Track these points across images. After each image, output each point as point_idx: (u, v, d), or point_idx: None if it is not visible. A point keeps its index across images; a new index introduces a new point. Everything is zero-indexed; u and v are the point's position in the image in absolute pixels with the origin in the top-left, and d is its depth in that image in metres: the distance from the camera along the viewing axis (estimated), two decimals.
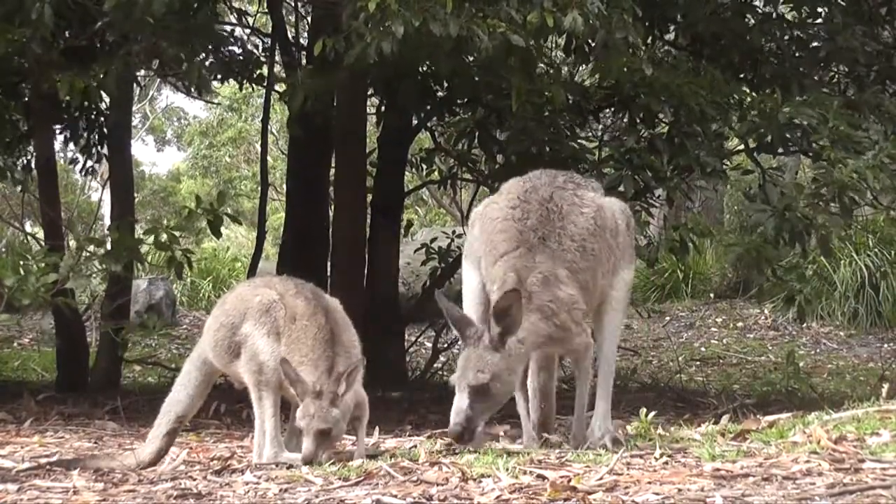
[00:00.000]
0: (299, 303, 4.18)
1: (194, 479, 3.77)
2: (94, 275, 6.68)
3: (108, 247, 6.31)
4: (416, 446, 4.34)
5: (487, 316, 4.09)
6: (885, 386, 5.07)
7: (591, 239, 4.29)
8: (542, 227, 4.26)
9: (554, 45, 8.03)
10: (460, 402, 3.97)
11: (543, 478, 3.46)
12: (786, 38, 7.67)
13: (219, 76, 7.64)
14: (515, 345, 4.05)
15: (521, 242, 4.24)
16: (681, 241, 6.93)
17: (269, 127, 9.71)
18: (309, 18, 8.81)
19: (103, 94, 6.81)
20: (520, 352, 4.08)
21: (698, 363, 10.44)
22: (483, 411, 3.99)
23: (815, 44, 7.72)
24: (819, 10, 7.74)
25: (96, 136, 8.45)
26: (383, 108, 7.93)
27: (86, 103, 7.43)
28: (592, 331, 4.56)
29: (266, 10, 9.31)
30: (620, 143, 6.90)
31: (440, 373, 8.72)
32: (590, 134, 7.76)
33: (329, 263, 7.95)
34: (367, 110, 8.10)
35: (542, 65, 6.83)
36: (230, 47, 7.64)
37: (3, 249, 13.19)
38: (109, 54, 6.36)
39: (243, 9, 9.50)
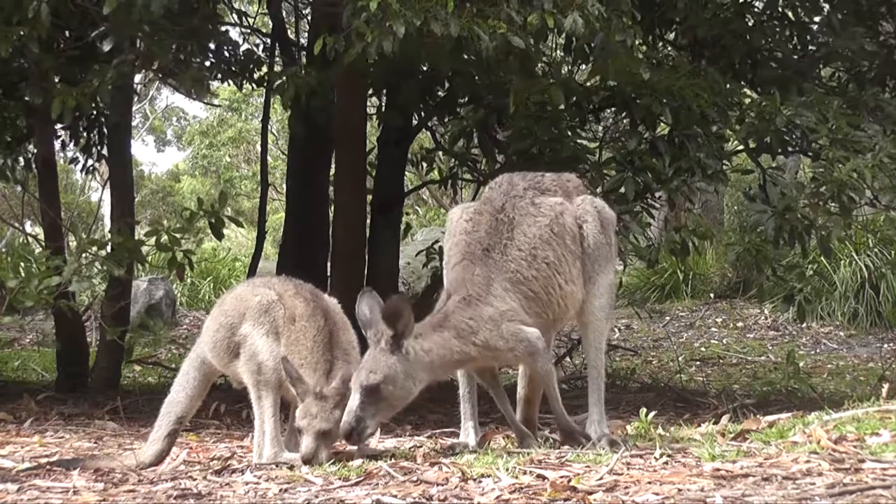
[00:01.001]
0: (298, 303, 4.18)
1: (194, 479, 3.77)
2: (94, 276, 6.68)
3: (109, 249, 6.31)
4: (419, 446, 4.35)
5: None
6: (885, 386, 5.07)
7: (543, 247, 4.27)
8: (489, 237, 4.29)
9: (554, 46, 8.03)
10: (352, 402, 3.98)
11: (543, 478, 3.46)
12: (785, 38, 7.67)
13: (219, 76, 7.64)
14: (419, 352, 4.06)
15: (465, 255, 4.28)
16: (681, 242, 6.92)
17: (269, 127, 9.71)
18: (309, 18, 8.81)
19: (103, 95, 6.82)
20: (423, 360, 4.06)
21: (698, 363, 10.44)
22: (375, 413, 3.98)
23: (814, 43, 7.73)
24: (820, 7, 7.74)
25: (96, 136, 8.45)
26: (383, 108, 7.93)
27: (77, 113, 7.44)
28: (580, 339, 4.54)
29: (266, 11, 9.31)
30: (622, 145, 6.89)
31: None
32: (590, 135, 7.75)
33: (329, 263, 7.95)
34: (367, 110, 8.09)
35: (541, 64, 6.83)
36: (230, 48, 7.63)
37: (4, 249, 13.19)
38: (106, 61, 6.36)
39: (243, 9, 9.50)
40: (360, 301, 4.15)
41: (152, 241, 6.15)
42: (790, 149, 7.13)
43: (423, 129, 8.38)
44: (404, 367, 4.03)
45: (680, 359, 9.97)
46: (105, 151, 8.42)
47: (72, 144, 8.52)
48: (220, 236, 6.33)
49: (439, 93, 7.52)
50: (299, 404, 4.04)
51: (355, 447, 4.05)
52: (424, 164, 8.16)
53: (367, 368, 4.00)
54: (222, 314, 4.25)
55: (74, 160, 8.81)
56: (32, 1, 5.77)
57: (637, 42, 6.18)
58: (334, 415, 3.98)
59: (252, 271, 8.66)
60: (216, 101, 18.81)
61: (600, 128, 7.87)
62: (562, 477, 3.45)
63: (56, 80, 6.69)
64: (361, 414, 3.95)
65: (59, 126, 8.17)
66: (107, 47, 6.16)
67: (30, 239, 8.18)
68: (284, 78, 6.56)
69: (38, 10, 5.76)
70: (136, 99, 10.56)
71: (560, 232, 4.33)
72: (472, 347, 4.13)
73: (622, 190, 6.49)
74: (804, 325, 11.70)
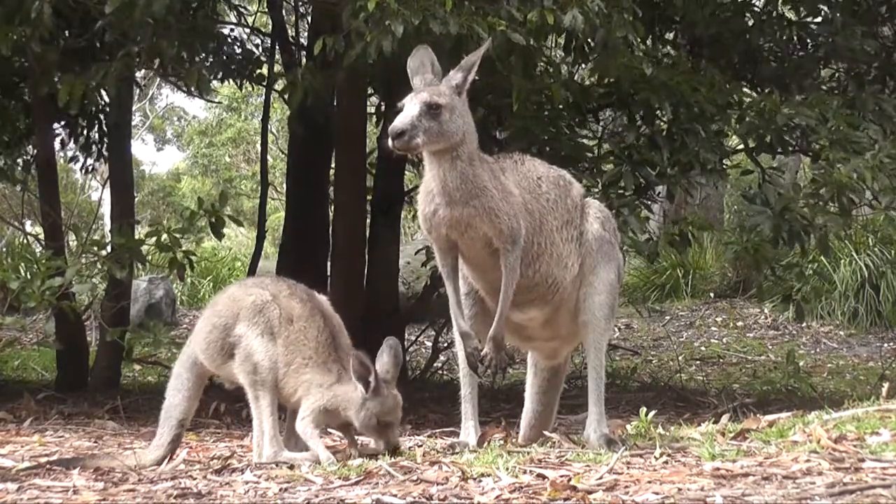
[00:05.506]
0: (295, 304, 4.17)
1: (194, 479, 3.77)
2: (95, 275, 6.70)
3: (110, 249, 6.32)
4: (419, 445, 4.34)
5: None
6: (885, 385, 5.06)
7: (547, 184, 4.33)
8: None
9: (553, 45, 8.03)
10: (411, 111, 4.03)
11: (543, 477, 3.46)
12: (785, 37, 7.68)
13: (219, 76, 7.65)
14: (468, 115, 4.13)
15: None
16: (680, 234, 6.91)
17: (269, 127, 9.72)
18: (309, 18, 8.82)
19: (103, 94, 6.82)
20: (468, 119, 4.12)
21: (698, 362, 10.44)
22: (426, 130, 4.01)
23: (814, 43, 7.73)
24: (819, 8, 7.74)
25: (96, 135, 8.46)
26: (383, 108, 7.92)
27: (85, 101, 7.45)
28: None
29: (266, 10, 9.31)
30: (620, 140, 6.89)
31: (440, 372, 8.73)
32: (589, 133, 7.75)
33: (329, 263, 7.95)
34: (367, 110, 8.09)
35: (541, 63, 6.83)
36: (230, 47, 7.64)
37: (4, 249, 13.19)
38: (109, 55, 6.36)
39: (242, 8, 9.50)
40: (414, 54, 4.22)
41: (153, 241, 6.15)
42: (790, 148, 7.13)
43: None
44: (461, 107, 4.12)
45: (680, 358, 9.98)
46: (105, 150, 8.43)
47: (72, 143, 8.52)
48: (220, 236, 6.34)
49: None
50: (361, 397, 4.04)
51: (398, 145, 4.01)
52: None
53: (430, 91, 4.08)
54: (215, 315, 4.23)
55: (74, 159, 8.82)
56: (35, 2, 5.78)
57: (638, 39, 6.18)
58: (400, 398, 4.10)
59: (252, 271, 8.66)
60: (216, 100, 18.83)
61: (600, 127, 7.87)
62: (562, 476, 3.45)
63: (56, 77, 6.69)
64: (417, 123, 4.01)
65: (58, 125, 8.18)
66: (108, 41, 6.17)
67: (29, 239, 8.19)
68: (290, 81, 6.56)
69: (41, 10, 5.76)
70: (136, 97, 10.56)
71: (564, 188, 4.35)
72: (485, 188, 4.10)
73: (621, 184, 6.49)
74: (804, 324, 11.71)
